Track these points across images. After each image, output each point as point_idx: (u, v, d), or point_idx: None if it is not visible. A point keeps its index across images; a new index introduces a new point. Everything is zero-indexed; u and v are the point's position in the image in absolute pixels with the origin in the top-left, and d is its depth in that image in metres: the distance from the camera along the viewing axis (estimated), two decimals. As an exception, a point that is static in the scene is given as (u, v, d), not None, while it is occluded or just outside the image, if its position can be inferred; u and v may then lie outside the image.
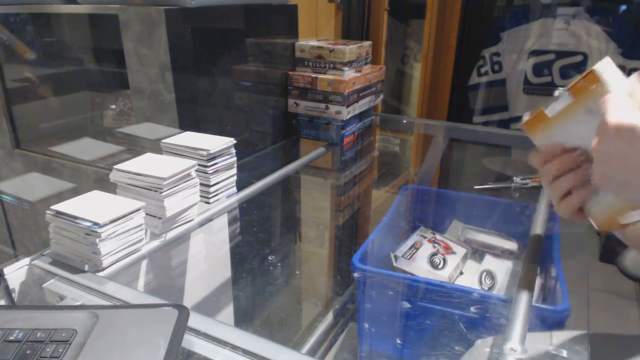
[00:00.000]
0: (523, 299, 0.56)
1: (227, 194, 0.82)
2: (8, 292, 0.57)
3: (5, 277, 0.57)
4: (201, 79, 0.94)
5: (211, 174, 0.77)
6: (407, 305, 0.81)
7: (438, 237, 1.04)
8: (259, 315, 1.05)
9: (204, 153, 0.75)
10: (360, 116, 1.23)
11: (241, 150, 0.83)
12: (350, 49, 1.12)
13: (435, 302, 0.78)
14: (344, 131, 1.15)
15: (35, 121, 1.26)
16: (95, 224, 0.57)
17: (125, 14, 0.88)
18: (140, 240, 0.64)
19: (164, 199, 0.66)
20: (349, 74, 1.14)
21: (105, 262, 0.59)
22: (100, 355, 0.40)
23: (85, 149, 1.18)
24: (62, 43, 1.22)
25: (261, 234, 1.06)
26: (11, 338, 0.41)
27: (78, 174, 1.11)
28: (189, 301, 0.81)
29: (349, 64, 1.13)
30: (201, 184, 0.75)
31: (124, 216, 0.60)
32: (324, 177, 1.29)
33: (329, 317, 1.00)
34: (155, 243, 0.67)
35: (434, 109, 2.15)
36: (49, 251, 0.62)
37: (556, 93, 0.52)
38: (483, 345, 0.66)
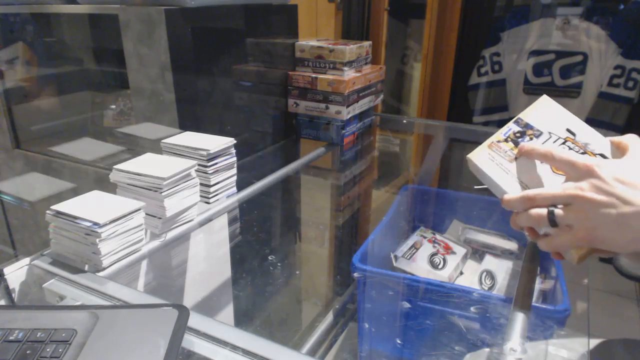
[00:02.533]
0: (523, 299, 0.56)
1: (227, 194, 0.82)
2: (8, 292, 0.57)
3: (5, 277, 0.57)
4: (201, 79, 0.94)
5: (211, 174, 0.77)
6: (407, 305, 0.81)
7: (438, 237, 1.04)
8: (259, 315, 1.05)
9: (204, 153, 0.75)
10: (360, 116, 1.23)
11: (241, 150, 0.83)
12: (350, 49, 1.12)
13: (435, 302, 0.78)
14: (344, 131, 1.15)
15: (35, 121, 1.26)
16: (95, 224, 0.57)
17: (125, 14, 0.88)
18: (140, 240, 0.64)
19: (164, 199, 0.66)
20: (349, 74, 1.14)
21: (105, 262, 0.59)
22: (100, 355, 0.40)
23: (85, 149, 1.18)
24: (62, 43, 1.22)
25: (261, 234, 1.06)
26: (11, 338, 0.41)
27: (78, 174, 1.11)
28: (189, 301, 0.81)
29: (349, 64, 1.13)
30: (201, 184, 0.75)
31: (124, 216, 0.60)
32: (324, 177, 1.29)
33: (329, 317, 1.00)
34: (155, 243, 0.67)
35: (434, 109, 2.15)
36: (49, 251, 0.62)
37: None
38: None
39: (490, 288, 0.91)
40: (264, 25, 1.10)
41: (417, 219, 1.15)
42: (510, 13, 2.00)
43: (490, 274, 0.93)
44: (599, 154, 0.55)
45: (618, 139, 0.54)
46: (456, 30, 2.01)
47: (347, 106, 1.12)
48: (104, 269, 0.59)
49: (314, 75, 1.13)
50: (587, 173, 0.48)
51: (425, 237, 1.03)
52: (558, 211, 0.49)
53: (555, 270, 0.81)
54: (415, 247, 0.98)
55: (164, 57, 0.86)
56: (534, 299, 0.70)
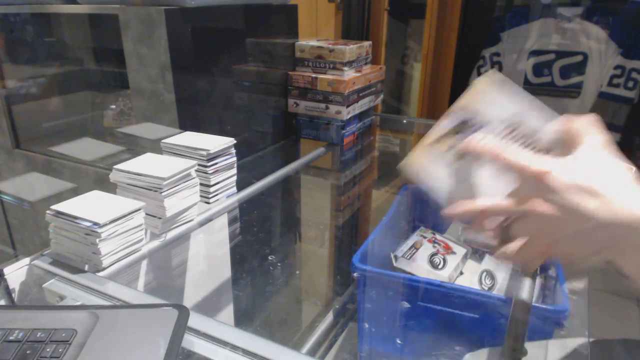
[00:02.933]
0: (523, 299, 0.56)
1: (227, 194, 0.82)
2: (8, 292, 0.57)
3: (5, 277, 0.57)
4: (201, 79, 0.94)
5: (211, 174, 0.77)
6: (407, 305, 0.81)
7: (438, 237, 1.04)
8: (259, 315, 1.05)
9: (204, 153, 0.75)
10: (360, 116, 1.23)
11: (241, 150, 0.83)
12: (350, 49, 1.12)
13: (435, 302, 0.78)
14: (344, 131, 1.15)
15: (36, 121, 1.26)
16: (95, 224, 0.57)
17: (125, 14, 0.88)
18: (140, 240, 0.64)
19: (164, 199, 0.66)
20: (349, 74, 1.14)
21: (105, 262, 0.59)
22: (100, 355, 0.40)
23: (85, 149, 1.18)
24: (62, 43, 1.22)
25: (261, 234, 1.06)
26: (11, 338, 0.41)
27: (78, 174, 1.11)
28: (189, 301, 0.81)
29: (349, 64, 1.13)
30: (201, 184, 0.75)
31: (124, 216, 0.60)
32: (324, 177, 1.29)
33: (329, 317, 1.00)
34: (155, 243, 0.67)
35: (434, 109, 2.15)
36: (49, 251, 0.62)
37: None
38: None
39: (490, 288, 0.91)
40: (264, 25, 1.10)
41: (417, 219, 1.15)
42: (510, 13, 2.00)
43: (490, 274, 0.93)
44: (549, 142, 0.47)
45: (568, 124, 0.45)
46: (456, 30, 2.01)
47: (347, 106, 1.12)
48: (104, 269, 0.59)
49: (314, 75, 1.13)
50: (538, 183, 0.41)
51: (425, 237, 1.03)
52: (514, 226, 0.44)
53: (555, 270, 0.81)
54: (415, 247, 0.98)
55: (164, 57, 0.86)
56: (534, 298, 0.70)
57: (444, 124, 0.49)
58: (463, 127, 0.49)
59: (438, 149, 0.48)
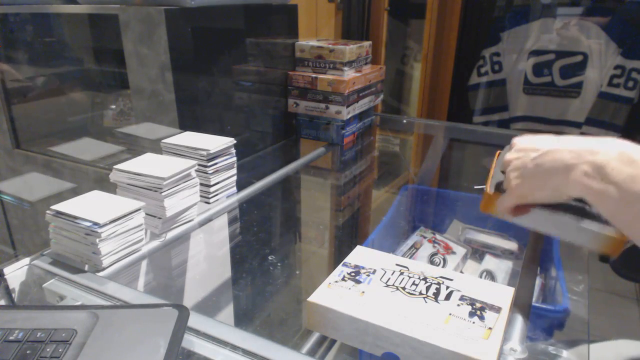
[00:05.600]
0: (523, 299, 0.56)
1: (227, 194, 0.82)
2: (8, 292, 0.57)
3: (5, 277, 0.57)
4: (201, 79, 0.94)
5: (211, 174, 0.77)
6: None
7: (438, 237, 1.04)
8: (259, 315, 1.05)
9: (204, 153, 0.75)
10: (360, 116, 1.23)
11: (241, 150, 0.83)
12: (350, 49, 1.12)
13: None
14: (344, 131, 1.15)
15: (35, 121, 1.26)
16: (95, 224, 0.57)
17: (125, 14, 0.88)
18: (140, 240, 0.64)
19: (164, 199, 0.66)
20: (349, 74, 1.14)
21: (105, 262, 0.59)
22: (100, 355, 0.40)
23: (85, 149, 1.17)
24: (62, 43, 1.22)
25: (261, 234, 1.06)
26: (11, 338, 0.41)
27: (78, 174, 1.11)
28: (189, 301, 0.81)
29: (349, 64, 1.13)
30: (201, 184, 0.75)
31: (124, 216, 0.60)
32: (324, 177, 1.29)
33: (329, 317, 1.00)
34: (155, 243, 0.67)
35: (434, 109, 2.15)
36: (49, 251, 0.62)
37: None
38: None
39: (490, 288, 0.90)
40: (264, 25, 1.10)
41: (417, 219, 1.15)
42: (510, 13, 2.00)
43: (490, 274, 0.93)
44: (439, 277, 0.54)
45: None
46: (456, 30, 2.01)
47: (347, 106, 1.12)
48: (104, 269, 0.59)
49: (314, 75, 1.13)
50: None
51: (425, 237, 1.03)
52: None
53: (555, 270, 0.81)
54: (415, 247, 0.98)
55: (164, 57, 0.86)
56: (534, 298, 0.70)
57: (341, 270, 0.56)
58: (359, 272, 0.56)
59: (341, 286, 0.54)
